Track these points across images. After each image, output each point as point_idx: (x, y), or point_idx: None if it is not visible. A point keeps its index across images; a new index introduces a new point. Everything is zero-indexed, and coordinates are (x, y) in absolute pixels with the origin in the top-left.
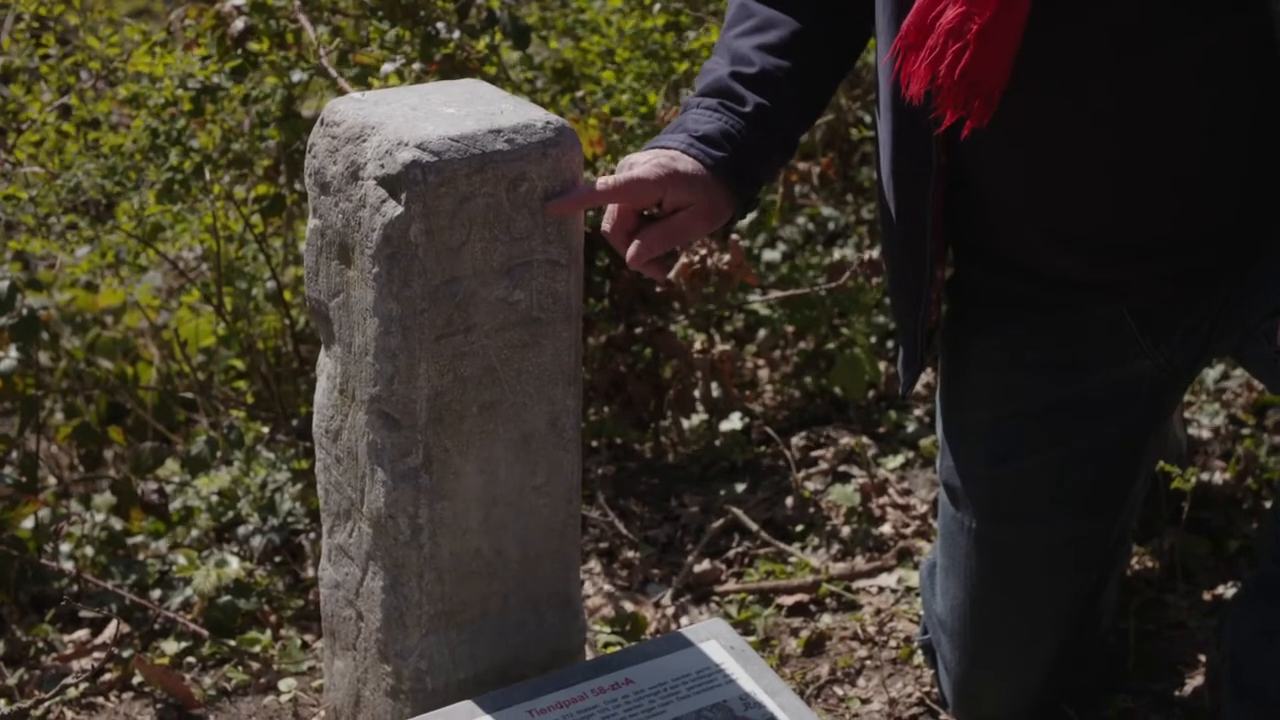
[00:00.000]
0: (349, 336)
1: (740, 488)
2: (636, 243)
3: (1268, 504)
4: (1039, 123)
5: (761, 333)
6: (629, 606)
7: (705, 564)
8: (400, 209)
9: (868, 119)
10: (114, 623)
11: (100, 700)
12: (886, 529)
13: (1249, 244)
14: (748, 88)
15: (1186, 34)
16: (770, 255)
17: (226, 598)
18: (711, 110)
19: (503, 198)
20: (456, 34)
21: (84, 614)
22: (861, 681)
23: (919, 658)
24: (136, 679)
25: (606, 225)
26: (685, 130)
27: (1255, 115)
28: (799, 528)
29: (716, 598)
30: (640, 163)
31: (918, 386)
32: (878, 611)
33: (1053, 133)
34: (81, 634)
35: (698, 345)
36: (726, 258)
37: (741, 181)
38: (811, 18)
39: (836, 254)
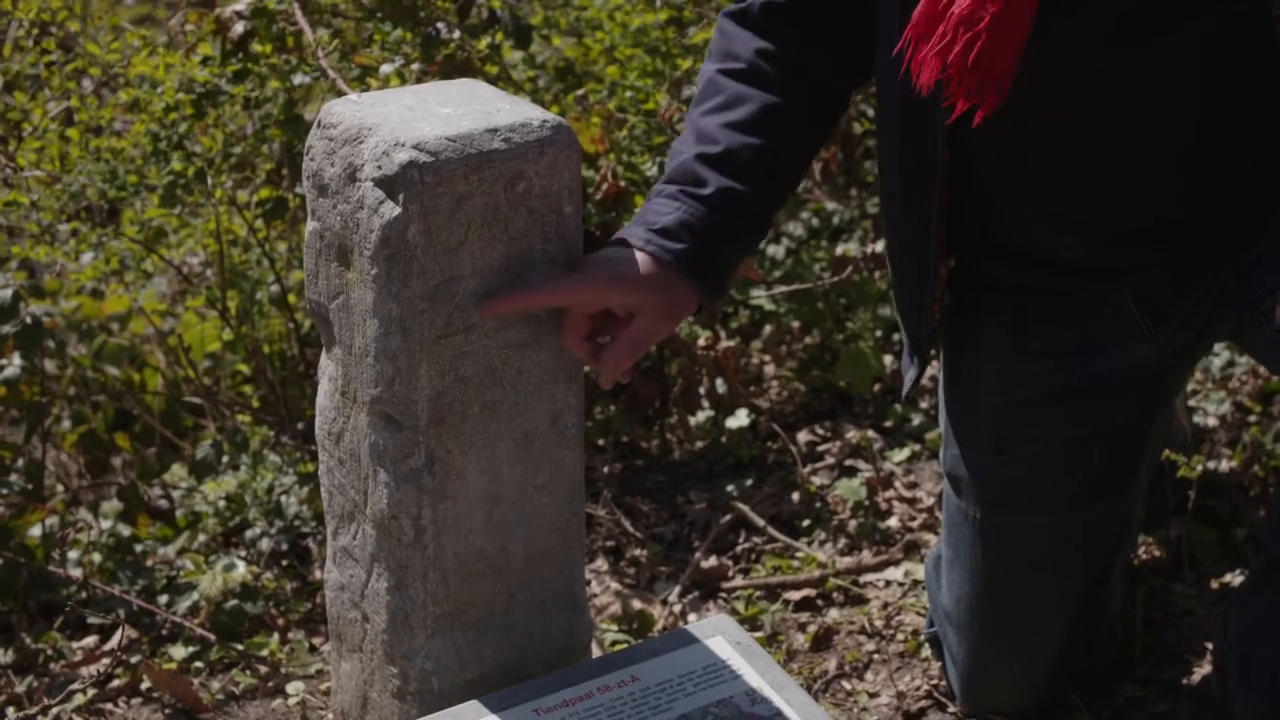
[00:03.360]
0: (349, 338)
1: (747, 483)
2: (604, 368)
3: (1274, 490)
4: (1040, 111)
5: (766, 328)
6: (636, 604)
7: (712, 560)
8: (398, 210)
9: (871, 112)
10: (122, 628)
11: (109, 706)
12: (893, 522)
13: (1249, 227)
14: (711, 168)
15: (1185, 20)
16: (774, 250)
17: (234, 602)
18: (671, 199)
19: (500, 197)
20: (457, 34)
21: (92, 620)
22: (869, 675)
23: (926, 651)
24: (145, 684)
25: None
26: (645, 223)
27: (1253, 100)
28: (806, 523)
29: (724, 594)
30: (587, 265)
31: (922, 380)
32: (885, 605)
33: (1053, 120)
34: (89, 640)
35: (702, 341)
36: None
37: (704, 271)
38: (781, 91)
39: (840, 248)
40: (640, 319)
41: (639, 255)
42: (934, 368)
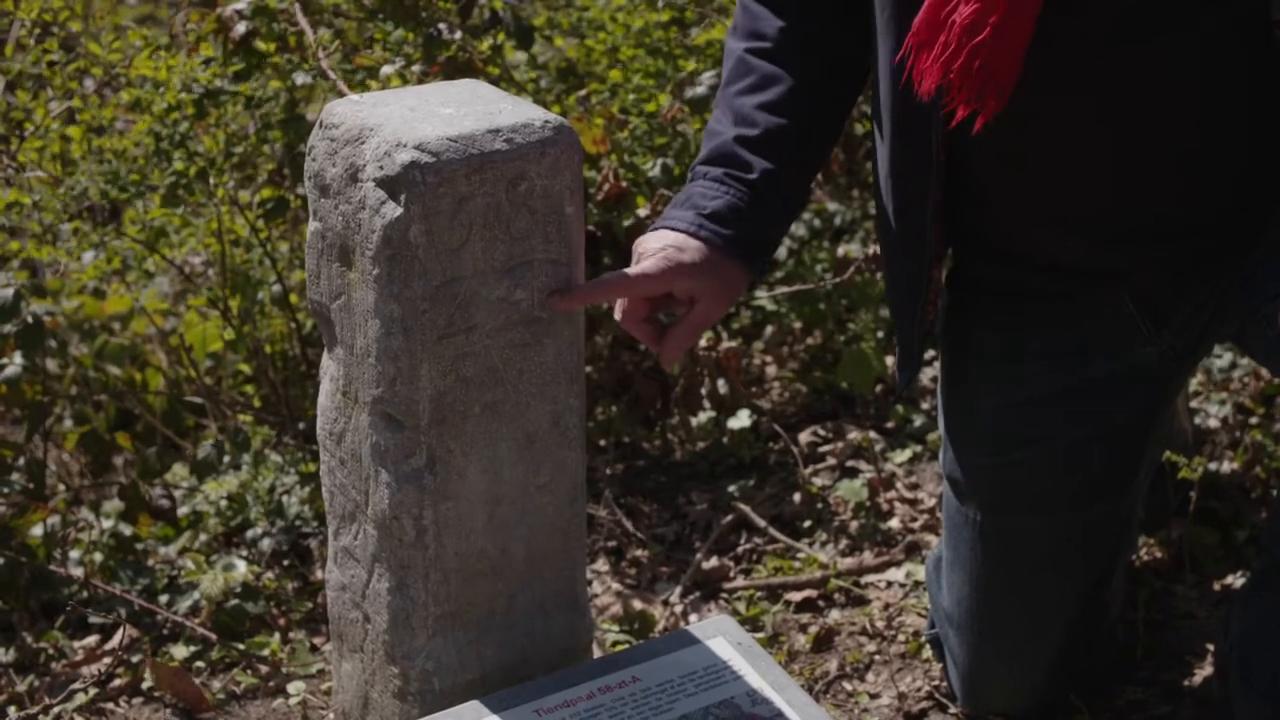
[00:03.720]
0: (351, 338)
1: (748, 484)
2: (667, 351)
3: (1276, 493)
4: (1040, 113)
5: (768, 329)
6: (637, 605)
7: (713, 561)
8: (399, 210)
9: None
10: (123, 628)
11: (110, 706)
12: (894, 523)
13: (1250, 228)
14: (753, 152)
15: (1185, 21)
16: (776, 251)
17: (235, 601)
18: (718, 182)
19: (502, 197)
20: (459, 35)
21: (93, 620)
22: (870, 676)
23: (928, 652)
24: (146, 684)
25: (618, 315)
26: (694, 206)
27: (1254, 101)
28: (807, 524)
29: (725, 595)
30: (648, 253)
31: (923, 381)
32: (886, 606)
33: (1053, 123)
34: (91, 640)
35: (704, 342)
36: None
37: (754, 251)
38: (810, 72)
39: (842, 249)
40: (700, 304)
41: (693, 241)
42: (935, 369)
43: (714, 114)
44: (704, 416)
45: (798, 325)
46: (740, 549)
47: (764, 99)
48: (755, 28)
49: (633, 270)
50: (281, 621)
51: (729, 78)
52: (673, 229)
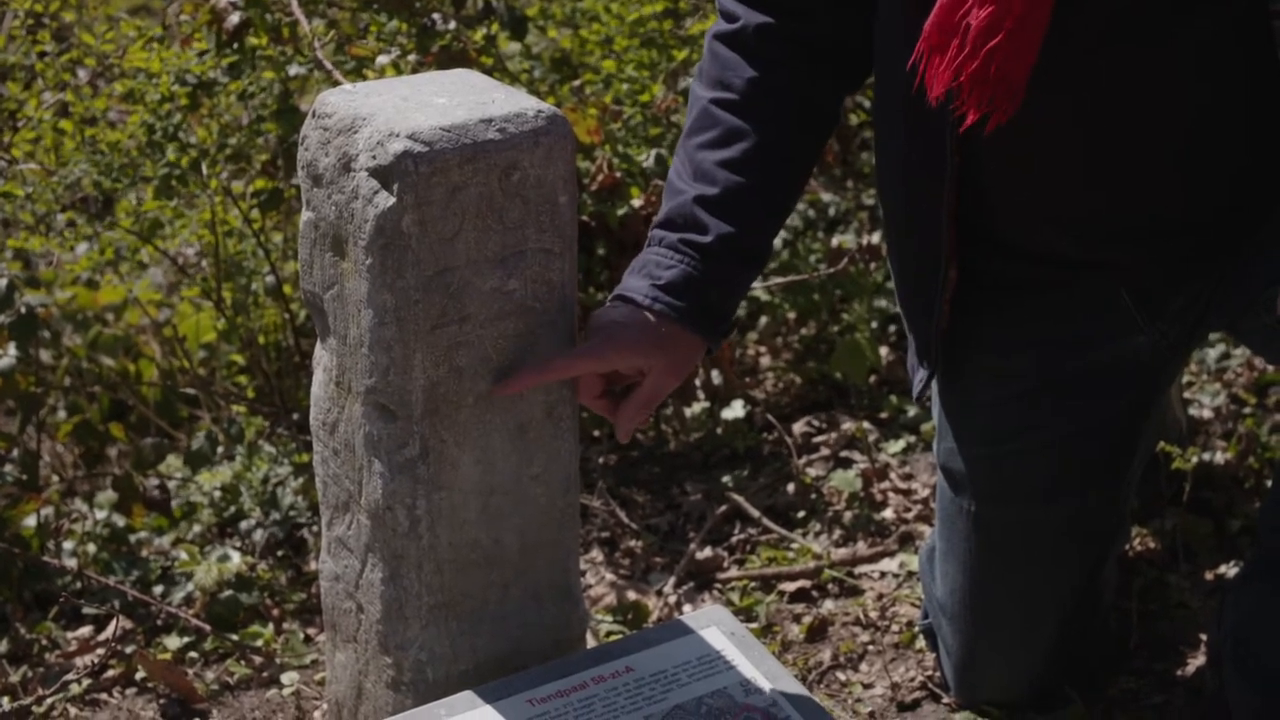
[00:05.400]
0: (344, 329)
1: (742, 475)
2: (619, 426)
3: (1269, 483)
4: (1038, 114)
5: (762, 320)
6: (631, 595)
7: (707, 552)
8: (392, 200)
9: (867, 104)
10: (116, 619)
11: (103, 696)
12: (888, 514)
13: (1246, 226)
14: (711, 213)
15: (1181, 21)
16: None
17: (228, 592)
18: (673, 249)
19: (495, 187)
20: (453, 25)
21: (87, 611)
22: (864, 666)
23: (921, 642)
24: (139, 675)
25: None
26: (649, 276)
27: (1250, 101)
28: (801, 514)
29: (719, 585)
30: (594, 330)
31: None
32: (880, 596)
33: (1048, 122)
34: (84, 631)
35: None
36: None
37: (710, 321)
38: (777, 127)
39: (836, 240)
40: (650, 378)
41: (645, 315)
42: None
43: (675, 164)
44: (698, 407)
45: (792, 316)
46: (734, 539)
47: (726, 155)
48: (722, 77)
49: (576, 351)
50: (275, 612)
51: (692, 127)
52: (627, 301)
